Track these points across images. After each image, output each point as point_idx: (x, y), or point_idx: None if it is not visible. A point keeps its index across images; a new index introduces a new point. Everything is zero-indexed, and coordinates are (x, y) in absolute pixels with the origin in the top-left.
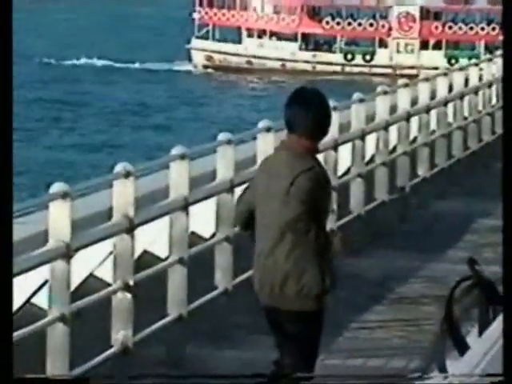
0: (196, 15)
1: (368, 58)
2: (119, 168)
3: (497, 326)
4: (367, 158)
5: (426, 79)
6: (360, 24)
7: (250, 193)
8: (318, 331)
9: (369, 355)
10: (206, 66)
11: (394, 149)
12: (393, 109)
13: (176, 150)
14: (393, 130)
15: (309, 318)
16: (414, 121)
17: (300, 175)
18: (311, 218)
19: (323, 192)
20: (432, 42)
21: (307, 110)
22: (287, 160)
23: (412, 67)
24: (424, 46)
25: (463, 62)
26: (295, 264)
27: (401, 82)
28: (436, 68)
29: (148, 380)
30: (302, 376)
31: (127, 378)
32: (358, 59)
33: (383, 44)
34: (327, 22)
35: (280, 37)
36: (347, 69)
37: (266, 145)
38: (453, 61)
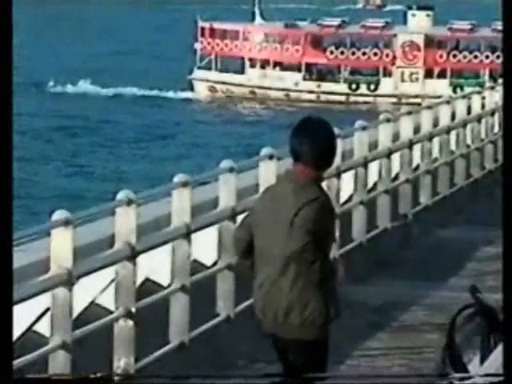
0: (198, 45)
1: (373, 87)
2: (121, 195)
3: (498, 353)
4: (370, 185)
5: (429, 107)
6: (364, 53)
7: (251, 221)
8: (323, 360)
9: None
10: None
11: (397, 176)
12: (395, 136)
13: (178, 178)
14: (395, 157)
15: (313, 347)
16: (417, 148)
17: (305, 206)
18: (316, 248)
19: (328, 222)
20: (436, 70)
21: (313, 140)
22: (292, 190)
23: (417, 96)
24: (428, 74)
25: (468, 90)
26: (299, 294)
27: (404, 109)
28: (441, 97)
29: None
30: None
31: None
32: (363, 89)
33: (387, 73)
34: (331, 52)
35: (284, 67)
36: (352, 98)
37: (268, 172)
38: (458, 89)
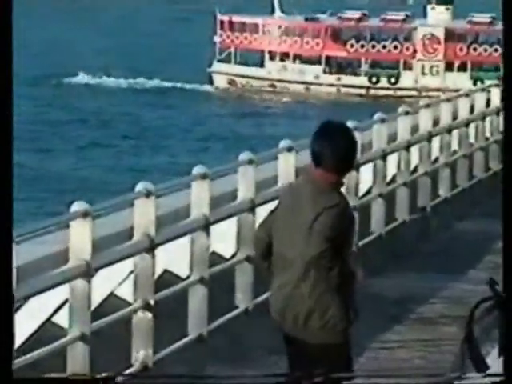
0: (217, 38)
1: (393, 80)
2: (140, 187)
3: None
4: (388, 178)
5: (448, 100)
6: (384, 46)
7: (271, 221)
8: (346, 364)
9: (389, 375)
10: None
11: (416, 169)
12: (414, 129)
13: (197, 170)
14: (414, 150)
15: (334, 351)
16: (436, 141)
17: (324, 211)
18: (334, 254)
19: (347, 228)
20: (457, 63)
21: (334, 145)
22: (312, 195)
23: (437, 89)
24: (449, 67)
25: (488, 83)
26: (319, 300)
27: (422, 102)
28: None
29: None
30: None
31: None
32: (383, 82)
33: (408, 66)
34: (351, 45)
35: (303, 60)
36: (372, 91)
37: (287, 164)
38: (478, 82)
